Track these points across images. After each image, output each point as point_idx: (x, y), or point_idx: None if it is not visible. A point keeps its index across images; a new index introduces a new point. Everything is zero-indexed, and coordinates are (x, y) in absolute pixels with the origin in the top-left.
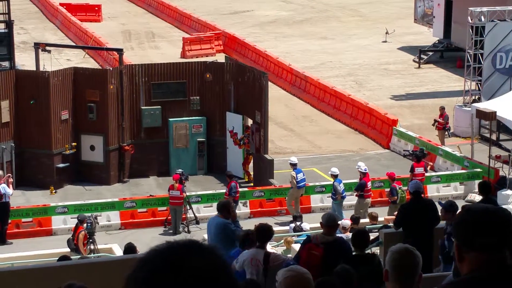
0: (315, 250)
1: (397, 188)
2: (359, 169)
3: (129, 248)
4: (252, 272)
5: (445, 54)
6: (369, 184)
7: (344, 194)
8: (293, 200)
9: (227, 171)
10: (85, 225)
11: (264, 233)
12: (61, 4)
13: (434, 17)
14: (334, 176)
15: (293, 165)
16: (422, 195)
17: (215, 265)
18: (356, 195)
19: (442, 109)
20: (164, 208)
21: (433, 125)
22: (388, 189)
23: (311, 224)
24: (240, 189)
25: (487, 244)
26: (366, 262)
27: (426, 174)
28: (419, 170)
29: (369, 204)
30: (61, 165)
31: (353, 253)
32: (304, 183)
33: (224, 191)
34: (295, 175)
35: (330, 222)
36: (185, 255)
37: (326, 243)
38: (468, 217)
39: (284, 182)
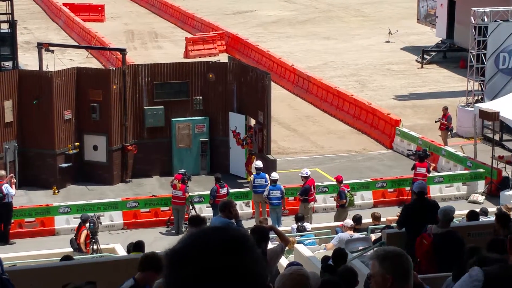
0: (425, 239)
1: (346, 191)
2: (301, 174)
3: (138, 245)
4: None
5: (448, 54)
6: (312, 188)
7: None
8: (260, 203)
9: (216, 174)
10: (88, 224)
11: (258, 234)
12: (64, 4)
13: (437, 17)
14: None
15: (257, 170)
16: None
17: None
18: (299, 199)
19: (445, 109)
20: (167, 208)
21: (437, 121)
22: (336, 194)
23: (313, 224)
24: (242, 189)
25: None
26: None
27: (429, 175)
28: (420, 170)
29: (313, 208)
30: (64, 165)
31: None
32: (263, 189)
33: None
34: (252, 179)
35: (445, 216)
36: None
37: (436, 234)
38: None
39: (287, 183)
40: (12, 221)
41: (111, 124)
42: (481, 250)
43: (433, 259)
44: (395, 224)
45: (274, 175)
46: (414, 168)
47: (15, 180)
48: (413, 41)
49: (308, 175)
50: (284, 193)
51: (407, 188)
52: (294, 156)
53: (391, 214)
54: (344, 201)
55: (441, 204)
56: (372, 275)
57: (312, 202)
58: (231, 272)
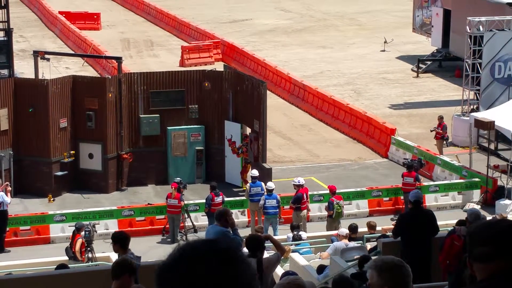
0: (456, 241)
1: (334, 202)
2: (293, 182)
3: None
4: None
5: (444, 64)
6: (304, 196)
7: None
8: (256, 212)
9: (211, 182)
10: (83, 233)
11: (254, 243)
12: (60, 12)
13: (432, 26)
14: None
15: (253, 178)
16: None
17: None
18: (291, 208)
19: (440, 118)
20: (162, 216)
21: (432, 131)
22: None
23: (308, 233)
24: (238, 198)
25: (483, 254)
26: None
27: (424, 183)
28: (408, 179)
29: (306, 216)
30: (59, 173)
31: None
32: (259, 198)
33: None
34: (248, 188)
35: (473, 218)
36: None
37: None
38: (469, 229)
39: (282, 191)
40: (8, 229)
41: (107, 133)
42: None
43: (461, 259)
44: (391, 233)
45: (270, 184)
46: (402, 177)
47: (10, 188)
48: (408, 50)
49: (300, 183)
50: (280, 203)
51: (402, 197)
52: (289, 164)
53: (386, 223)
54: (331, 212)
55: (436, 214)
56: (370, 285)
57: (305, 211)
58: (221, 285)
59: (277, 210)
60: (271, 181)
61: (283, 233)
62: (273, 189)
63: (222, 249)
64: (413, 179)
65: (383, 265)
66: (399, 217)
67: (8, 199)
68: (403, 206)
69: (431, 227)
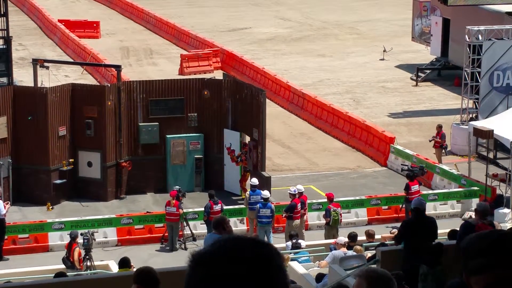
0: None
1: (331, 209)
2: (289, 191)
3: (124, 262)
4: None
5: (443, 72)
6: (299, 206)
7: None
8: (254, 220)
9: (209, 191)
10: (80, 241)
11: None
12: (59, 21)
13: (431, 35)
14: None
15: (252, 187)
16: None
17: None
18: (284, 217)
19: (439, 127)
20: (161, 224)
21: (430, 141)
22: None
23: (307, 241)
24: (237, 206)
25: (480, 265)
26: None
27: (424, 192)
28: (414, 188)
29: (298, 225)
30: (58, 181)
31: None
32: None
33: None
34: (247, 196)
35: (482, 209)
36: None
37: None
38: (463, 244)
39: (281, 200)
40: (6, 237)
41: (106, 141)
42: None
43: None
44: (389, 242)
45: (265, 193)
46: (408, 187)
47: (9, 206)
48: (407, 59)
49: (295, 193)
50: (274, 212)
51: (403, 206)
52: (288, 173)
53: (385, 232)
54: (328, 219)
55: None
56: None
57: (297, 220)
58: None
59: (271, 219)
60: (270, 189)
61: (280, 242)
62: (268, 198)
63: (259, 253)
64: (418, 185)
65: (374, 277)
66: (403, 223)
67: (3, 210)
68: (404, 214)
69: (433, 234)
